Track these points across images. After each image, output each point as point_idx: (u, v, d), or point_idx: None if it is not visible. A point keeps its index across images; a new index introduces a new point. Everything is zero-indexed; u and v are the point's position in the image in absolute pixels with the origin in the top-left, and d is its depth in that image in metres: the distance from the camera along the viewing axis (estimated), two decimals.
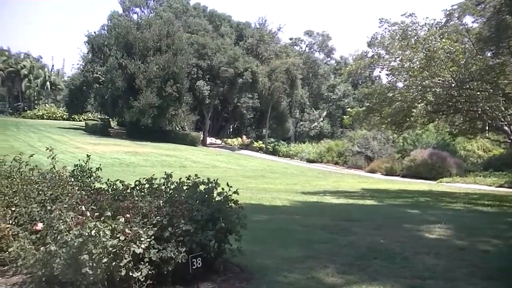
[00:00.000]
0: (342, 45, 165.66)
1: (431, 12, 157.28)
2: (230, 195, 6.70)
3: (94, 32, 68.49)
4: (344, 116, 39.09)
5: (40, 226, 6.12)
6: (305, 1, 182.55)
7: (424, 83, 22.66)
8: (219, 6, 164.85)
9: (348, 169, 48.10)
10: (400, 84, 25.83)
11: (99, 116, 77.83)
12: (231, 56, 62.88)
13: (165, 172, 7.10)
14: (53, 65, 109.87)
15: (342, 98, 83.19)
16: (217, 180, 6.82)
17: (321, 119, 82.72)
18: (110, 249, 5.01)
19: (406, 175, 39.12)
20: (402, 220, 12.88)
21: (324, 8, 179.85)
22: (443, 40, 21.48)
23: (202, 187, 6.76)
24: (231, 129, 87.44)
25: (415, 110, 21.91)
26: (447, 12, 23.46)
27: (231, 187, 6.75)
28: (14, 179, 7.44)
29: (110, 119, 72.13)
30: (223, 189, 6.74)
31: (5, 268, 6.49)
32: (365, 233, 10.45)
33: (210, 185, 6.74)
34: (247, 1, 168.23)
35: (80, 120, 79.67)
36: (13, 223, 6.68)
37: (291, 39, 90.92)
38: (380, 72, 35.81)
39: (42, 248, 5.72)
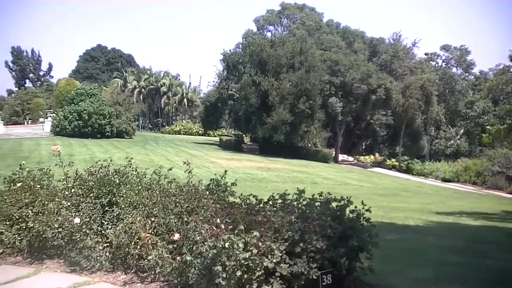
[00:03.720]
0: (482, 59, 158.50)
1: None
2: (362, 213, 6.57)
3: (229, 50, 70.91)
4: (483, 134, 37.20)
5: (177, 236, 6.38)
6: (442, 15, 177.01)
7: None
8: (352, 23, 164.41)
9: (487, 190, 45.69)
10: None
11: (232, 132, 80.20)
12: (364, 72, 62.41)
13: (297, 188, 7.09)
14: (190, 83, 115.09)
15: (481, 115, 79.28)
16: (350, 197, 6.71)
17: (458, 137, 79.57)
18: (243, 261, 5.07)
19: None
20: None
21: (462, 22, 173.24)
22: None
23: (334, 204, 6.69)
24: (363, 146, 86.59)
25: None
26: None
27: (365, 205, 6.61)
28: (154, 191, 7.81)
29: (244, 135, 73.89)
30: (356, 206, 6.63)
31: (144, 274, 6.85)
32: (503, 257, 9.80)
33: (342, 202, 6.65)
34: (381, 17, 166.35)
35: (215, 136, 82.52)
36: (152, 232, 7.02)
37: (426, 54, 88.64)
38: None
39: (178, 258, 5.96)
